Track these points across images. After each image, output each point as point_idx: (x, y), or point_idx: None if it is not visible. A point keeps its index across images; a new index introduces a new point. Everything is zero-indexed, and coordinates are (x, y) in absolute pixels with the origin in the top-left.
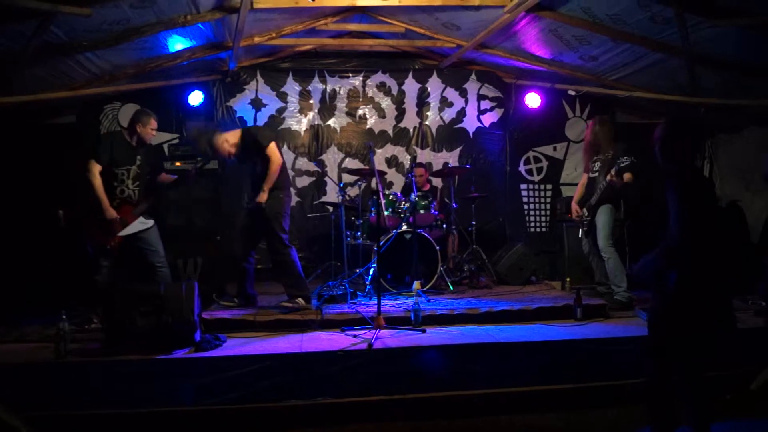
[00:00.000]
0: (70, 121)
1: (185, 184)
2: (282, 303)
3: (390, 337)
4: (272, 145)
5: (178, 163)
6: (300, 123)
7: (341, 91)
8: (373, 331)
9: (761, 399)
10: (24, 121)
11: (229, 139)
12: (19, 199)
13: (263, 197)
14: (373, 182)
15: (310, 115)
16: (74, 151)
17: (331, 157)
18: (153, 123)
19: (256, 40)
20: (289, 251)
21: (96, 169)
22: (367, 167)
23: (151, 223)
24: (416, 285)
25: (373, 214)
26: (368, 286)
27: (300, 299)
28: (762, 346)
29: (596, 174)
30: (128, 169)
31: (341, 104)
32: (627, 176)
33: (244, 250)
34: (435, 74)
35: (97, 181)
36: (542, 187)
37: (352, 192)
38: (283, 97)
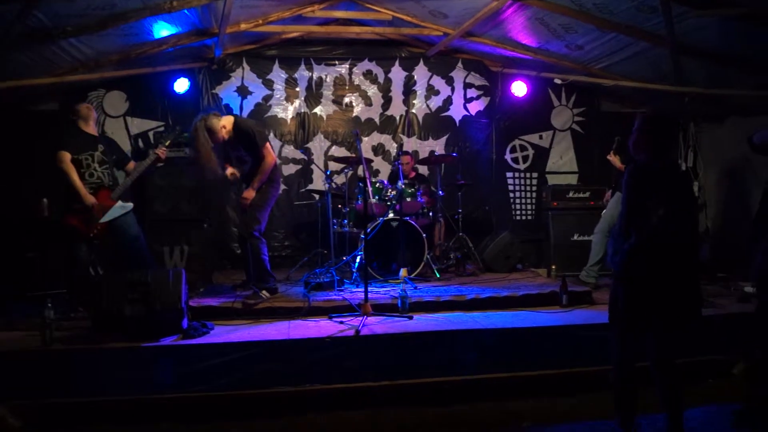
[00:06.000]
0: (53, 109)
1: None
2: (245, 299)
3: (377, 324)
4: (267, 146)
5: (163, 150)
6: (286, 111)
7: (328, 79)
8: (361, 318)
9: (742, 384)
10: (6, 108)
11: (225, 125)
12: (2, 187)
13: (251, 194)
14: (360, 170)
15: (297, 102)
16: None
17: (318, 144)
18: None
19: (243, 26)
20: (258, 242)
21: (67, 158)
22: (353, 155)
23: (130, 206)
24: (403, 272)
25: (359, 202)
26: (355, 274)
27: (265, 291)
28: (744, 331)
29: None
30: (92, 154)
31: (328, 92)
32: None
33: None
34: (422, 62)
35: (71, 170)
36: (528, 175)
37: (339, 180)
38: (269, 84)
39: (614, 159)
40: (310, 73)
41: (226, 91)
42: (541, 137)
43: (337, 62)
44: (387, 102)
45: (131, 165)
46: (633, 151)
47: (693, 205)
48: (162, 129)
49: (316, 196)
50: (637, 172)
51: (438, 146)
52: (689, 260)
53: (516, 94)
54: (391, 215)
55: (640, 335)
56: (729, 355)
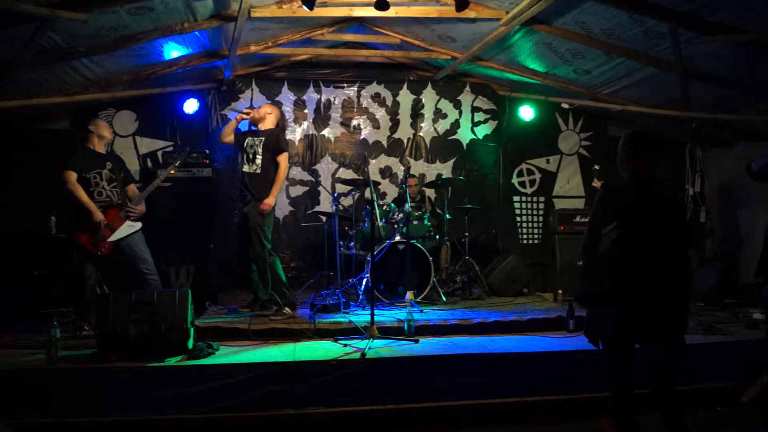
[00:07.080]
0: (64, 127)
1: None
2: (270, 317)
3: (383, 347)
4: (286, 154)
5: (172, 171)
6: (294, 132)
7: (336, 101)
8: (367, 341)
9: (752, 412)
10: (18, 126)
11: (272, 113)
12: (11, 204)
13: (272, 201)
14: (367, 192)
15: (305, 124)
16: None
17: (325, 166)
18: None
19: (252, 48)
20: (274, 259)
21: (72, 177)
22: (360, 177)
23: (138, 226)
24: (409, 295)
25: (366, 224)
26: (361, 296)
27: (287, 308)
28: (753, 358)
29: None
30: (99, 172)
31: (336, 114)
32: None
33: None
34: (429, 86)
35: (78, 189)
36: (535, 199)
37: (346, 202)
38: (277, 106)
39: (599, 186)
40: (319, 96)
41: (235, 113)
42: (548, 161)
43: (345, 85)
44: (395, 125)
45: (132, 188)
46: (619, 169)
47: (675, 227)
48: (171, 149)
49: (323, 218)
50: (604, 194)
51: (445, 169)
52: (661, 282)
53: (523, 118)
54: (397, 238)
55: (632, 357)
56: (739, 382)
